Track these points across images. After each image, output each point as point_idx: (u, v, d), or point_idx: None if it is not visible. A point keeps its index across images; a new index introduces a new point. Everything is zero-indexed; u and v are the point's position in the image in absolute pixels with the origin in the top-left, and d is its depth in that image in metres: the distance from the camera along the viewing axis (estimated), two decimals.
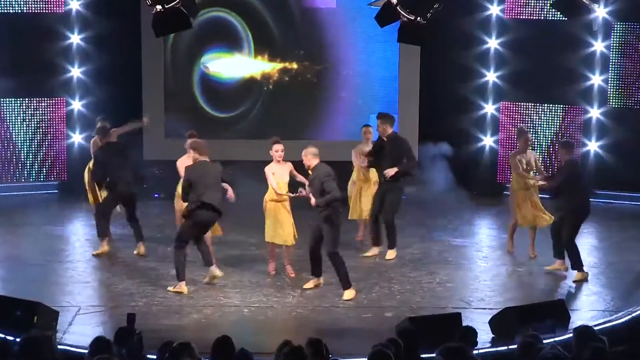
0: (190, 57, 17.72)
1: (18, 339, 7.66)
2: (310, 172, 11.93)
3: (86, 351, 8.03)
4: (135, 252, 13.49)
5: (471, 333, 8.29)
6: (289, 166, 12.50)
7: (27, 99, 17.31)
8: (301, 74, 17.79)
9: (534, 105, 17.59)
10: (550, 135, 17.52)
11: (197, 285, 12.23)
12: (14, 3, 16.90)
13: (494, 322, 10.45)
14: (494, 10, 17.58)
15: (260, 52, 17.73)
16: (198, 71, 17.71)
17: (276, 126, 17.44)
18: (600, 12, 16.85)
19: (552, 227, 12.94)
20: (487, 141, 17.94)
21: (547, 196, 13.34)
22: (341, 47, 17.81)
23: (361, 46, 17.78)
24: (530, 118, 17.61)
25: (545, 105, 17.51)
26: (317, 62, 17.80)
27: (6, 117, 17.25)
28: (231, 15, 17.70)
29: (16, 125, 17.30)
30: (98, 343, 7.49)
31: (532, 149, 14.22)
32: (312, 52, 17.78)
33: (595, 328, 8.71)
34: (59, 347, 9.46)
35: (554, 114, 17.50)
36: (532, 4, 17.32)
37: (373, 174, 13.88)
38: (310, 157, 11.90)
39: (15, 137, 17.32)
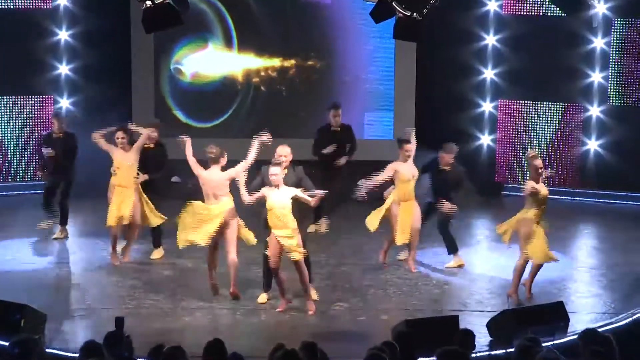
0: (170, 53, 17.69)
1: (6, 343, 7.65)
2: (285, 170, 11.36)
3: (75, 355, 8.05)
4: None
5: (469, 336, 8.31)
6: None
7: (14, 97, 17.29)
8: (293, 71, 17.79)
9: (532, 103, 17.62)
10: (550, 133, 17.55)
11: (188, 287, 12.23)
12: None
13: (492, 325, 10.46)
14: (492, 5, 17.61)
15: (249, 48, 17.70)
16: (167, 74, 17.65)
17: (266, 125, 17.39)
18: (600, 8, 16.89)
19: (439, 225, 13.18)
20: (485, 140, 17.96)
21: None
22: (335, 43, 17.81)
23: (356, 42, 17.78)
24: (529, 116, 17.64)
25: (545, 103, 17.54)
26: (309, 59, 17.80)
27: None
28: (221, 8, 17.68)
29: (3, 124, 17.28)
30: (89, 347, 7.49)
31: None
32: (305, 48, 17.78)
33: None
34: (47, 350, 9.45)
35: (553, 112, 17.53)
36: (531, 0, 17.35)
37: (409, 191, 12.92)
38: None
39: (2, 136, 17.31)
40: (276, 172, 11.05)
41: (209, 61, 17.71)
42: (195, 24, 17.15)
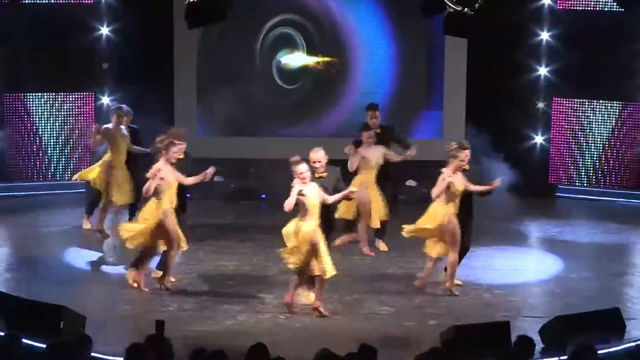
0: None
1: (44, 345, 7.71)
2: (322, 175, 11.47)
3: (114, 358, 8.10)
4: None
5: (528, 343, 8.23)
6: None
7: (54, 94, 17.44)
8: (338, 70, 17.79)
9: (588, 102, 17.48)
10: (606, 133, 17.40)
11: (231, 289, 12.26)
12: None
13: (544, 331, 10.38)
14: (546, 0, 17.49)
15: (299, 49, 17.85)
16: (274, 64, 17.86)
17: (301, 124, 17.45)
18: None
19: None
20: (538, 139, 17.84)
21: None
22: (381, 41, 17.79)
23: (404, 41, 17.74)
24: (585, 115, 17.51)
25: (601, 101, 17.39)
26: (346, 58, 17.80)
27: (33, 112, 17.40)
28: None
29: (43, 121, 17.44)
30: (134, 350, 7.51)
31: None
32: (347, 47, 17.80)
33: None
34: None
35: (610, 111, 17.38)
36: None
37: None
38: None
39: (41, 133, 17.46)
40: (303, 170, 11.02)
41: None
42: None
